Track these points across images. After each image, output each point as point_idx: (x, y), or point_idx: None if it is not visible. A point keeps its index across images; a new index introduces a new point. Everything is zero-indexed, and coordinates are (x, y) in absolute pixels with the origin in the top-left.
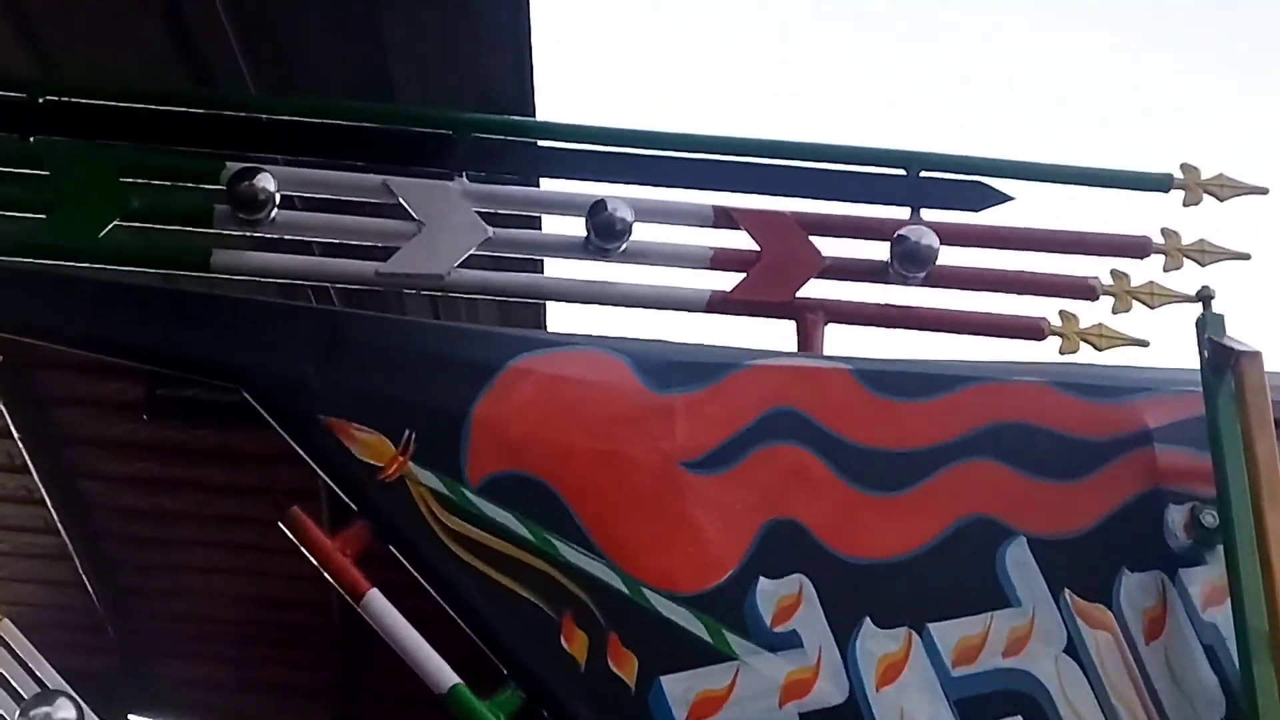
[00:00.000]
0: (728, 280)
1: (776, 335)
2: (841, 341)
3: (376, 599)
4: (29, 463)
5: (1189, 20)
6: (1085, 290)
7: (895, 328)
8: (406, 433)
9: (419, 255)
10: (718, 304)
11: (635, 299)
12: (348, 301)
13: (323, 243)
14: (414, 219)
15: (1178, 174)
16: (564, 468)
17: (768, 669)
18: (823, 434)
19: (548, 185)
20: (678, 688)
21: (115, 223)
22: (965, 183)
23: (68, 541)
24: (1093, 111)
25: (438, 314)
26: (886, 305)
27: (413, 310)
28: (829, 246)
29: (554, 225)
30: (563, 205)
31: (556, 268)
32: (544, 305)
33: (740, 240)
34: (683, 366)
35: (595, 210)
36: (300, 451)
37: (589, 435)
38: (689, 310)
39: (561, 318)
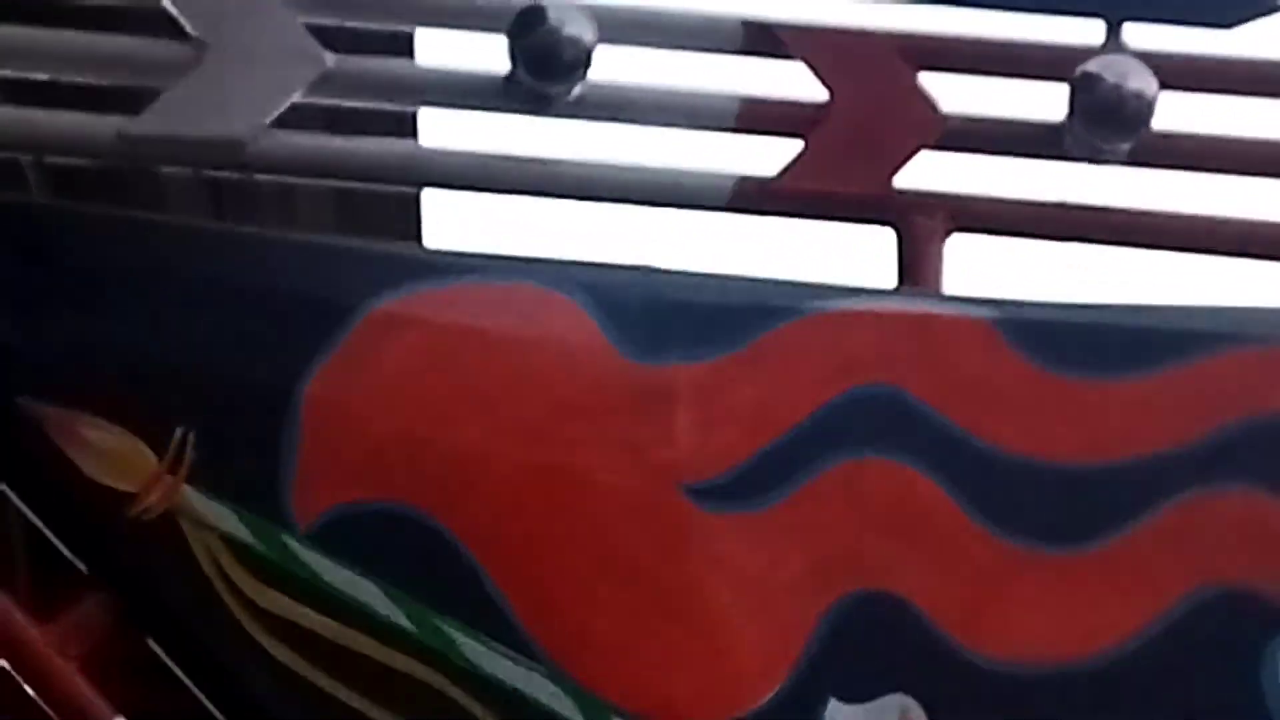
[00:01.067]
0: (769, 155)
1: (855, 255)
2: (976, 266)
3: None
4: None
5: None
6: None
7: (1073, 241)
8: (178, 432)
9: (198, 104)
10: (750, 197)
11: (591, 188)
12: (69, 191)
13: (28, 81)
14: (190, 37)
15: None
16: (469, 497)
17: None
18: (944, 436)
19: None
20: None
21: None
22: None
23: None
24: None
25: (226, 214)
26: (1058, 204)
27: (185, 207)
28: (954, 94)
29: (450, 52)
30: (465, 14)
31: (452, 128)
32: (419, 199)
33: (792, 81)
34: (688, 314)
35: (525, 23)
36: None
37: (516, 437)
38: (698, 208)
39: (460, 224)
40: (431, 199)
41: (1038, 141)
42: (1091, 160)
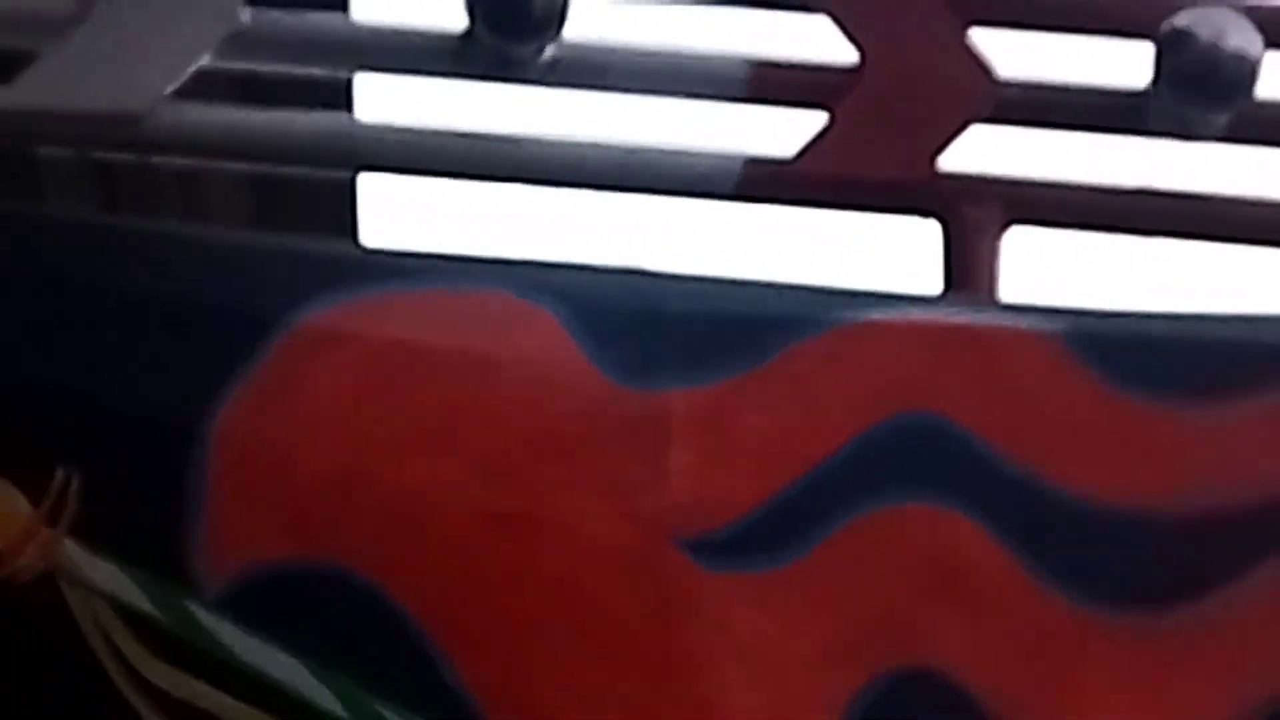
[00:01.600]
0: (787, 130)
1: (891, 254)
2: (1039, 267)
3: None
4: None
5: None
6: None
7: (1158, 236)
8: (59, 474)
9: (83, 69)
10: (762, 183)
11: (566, 172)
12: None
13: None
14: None
15: None
16: (416, 555)
17: None
18: (1001, 476)
19: None
20: None
21: None
22: None
23: None
24: None
25: (118, 206)
26: (1138, 191)
27: (67, 197)
28: (1012, 55)
29: (393, 6)
30: None
31: (396, 100)
32: (354, 187)
33: (814, 41)
34: (686, 327)
35: None
36: None
37: (475, 480)
38: (698, 196)
39: (405, 218)
40: (370, 187)
41: (1115, 113)
42: (1181, 136)
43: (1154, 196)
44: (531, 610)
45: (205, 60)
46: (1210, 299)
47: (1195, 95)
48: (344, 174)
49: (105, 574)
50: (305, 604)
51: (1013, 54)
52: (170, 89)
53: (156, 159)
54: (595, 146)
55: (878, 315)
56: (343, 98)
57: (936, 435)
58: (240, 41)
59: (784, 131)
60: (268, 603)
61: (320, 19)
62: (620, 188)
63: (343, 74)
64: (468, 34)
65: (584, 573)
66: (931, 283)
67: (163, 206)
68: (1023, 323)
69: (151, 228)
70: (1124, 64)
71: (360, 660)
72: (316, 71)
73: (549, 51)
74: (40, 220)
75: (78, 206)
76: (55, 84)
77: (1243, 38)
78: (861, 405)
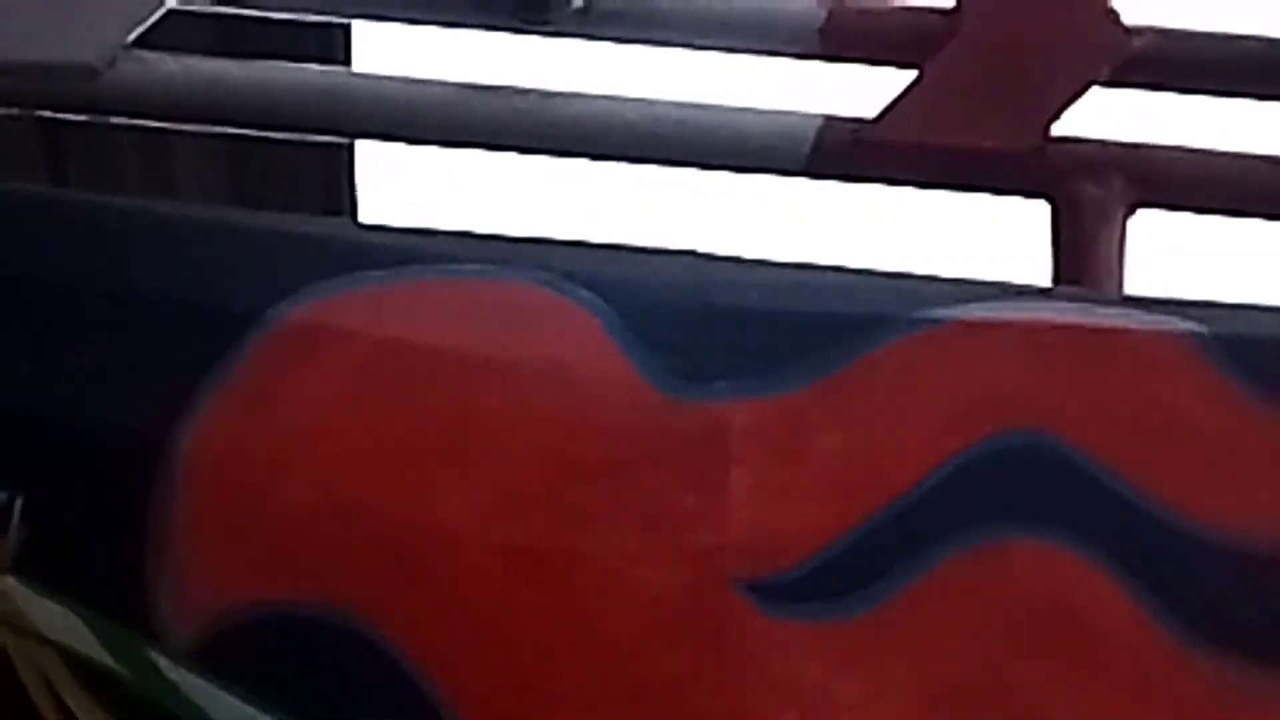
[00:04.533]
0: (866, 91)
1: (995, 238)
2: (1170, 255)
3: None
4: None
5: None
6: None
7: None
8: (4, 497)
9: (29, 15)
10: (838, 155)
11: (603, 139)
12: None
13: None
14: None
15: None
16: (421, 597)
17: None
18: (1122, 506)
19: None
20: None
21: None
22: None
23: None
24: None
25: (68, 178)
26: None
27: (10, 169)
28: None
29: None
30: None
31: (399, 53)
32: (352, 155)
33: None
34: (747, 325)
35: None
36: None
37: (494, 508)
38: (764, 171)
39: (413, 192)
40: (371, 155)
41: (1263, 74)
42: None
43: None
44: (560, 665)
45: (172, 2)
46: None
47: None
48: (339, 139)
49: (51, 617)
50: (290, 654)
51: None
52: (131, 37)
53: (115, 120)
54: (640, 106)
55: (975, 313)
56: (339, 49)
57: (1045, 458)
58: None
59: (864, 95)
60: (246, 653)
61: None
62: (670, 160)
63: (337, 18)
64: None
65: (624, 620)
66: (1041, 274)
67: (121, 179)
68: (1149, 322)
69: (107, 204)
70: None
71: (353, 718)
72: (307, 16)
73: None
74: None
75: (20, 177)
76: (8, 32)
77: None
78: (956, 422)
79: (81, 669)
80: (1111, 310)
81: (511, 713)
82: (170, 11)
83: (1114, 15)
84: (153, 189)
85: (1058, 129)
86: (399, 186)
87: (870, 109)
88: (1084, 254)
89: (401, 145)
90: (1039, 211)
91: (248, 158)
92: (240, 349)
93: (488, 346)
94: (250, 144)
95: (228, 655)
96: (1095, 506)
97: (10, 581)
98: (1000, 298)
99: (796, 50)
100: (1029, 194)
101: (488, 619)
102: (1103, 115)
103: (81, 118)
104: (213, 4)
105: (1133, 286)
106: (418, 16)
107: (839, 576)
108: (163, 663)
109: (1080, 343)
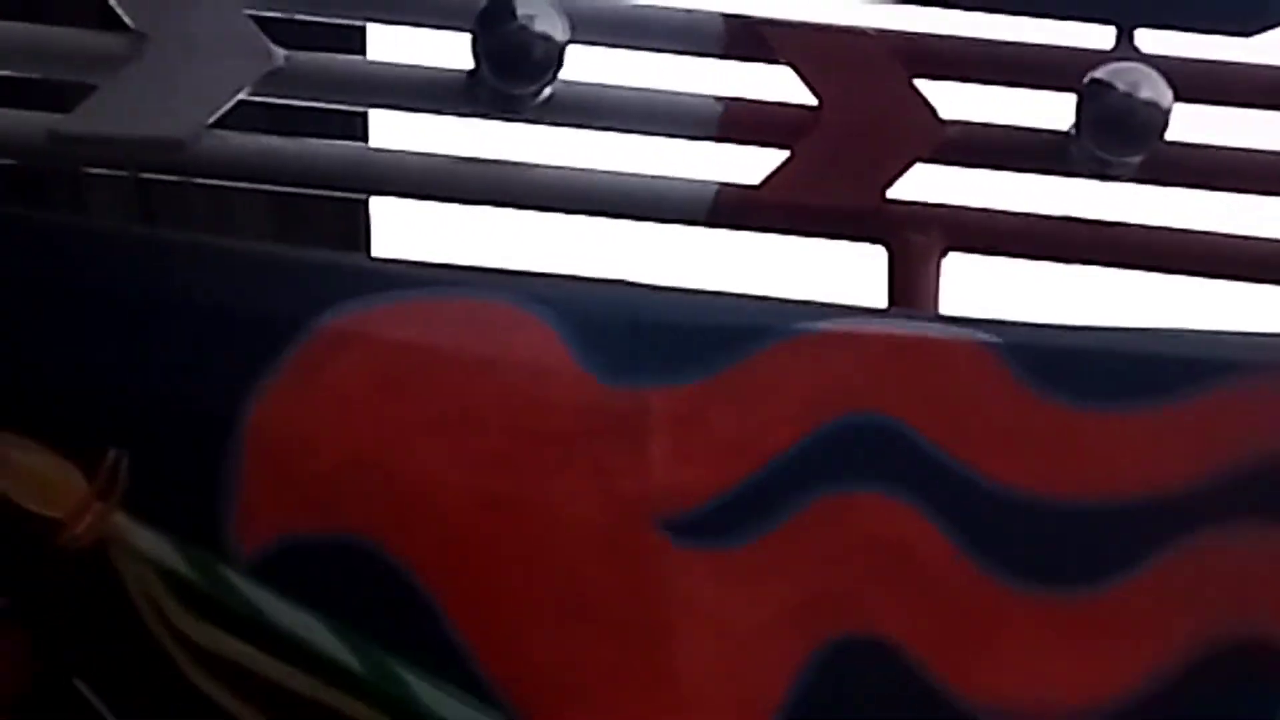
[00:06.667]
0: (753, 163)
1: (845, 273)
2: (974, 286)
3: None
4: None
5: None
6: None
7: (1079, 262)
8: (110, 455)
9: (136, 100)
10: (731, 209)
11: (559, 197)
12: None
13: None
14: (130, 29)
15: None
16: (425, 529)
17: None
18: (939, 469)
19: None
20: None
21: None
22: None
23: None
24: None
25: (157, 217)
26: (1063, 219)
27: (115, 210)
28: (953, 101)
29: (408, 50)
30: (424, 7)
31: (408, 133)
32: (367, 206)
33: (779, 85)
34: (665, 333)
35: (491, 17)
36: None
37: (477, 465)
38: (675, 222)
39: (414, 236)
40: (383, 210)
41: (1042, 154)
42: (1100, 175)
43: (1077, 226)
44: (525, 578)
45: (243, 94)
46: (1126, 317)
47: (1112, 139)
48: (359, 196)
49: (151, 544)
50: (327, 572)
51: (954, 100)
52: (211, 119)
53: (198, 180)
54: (586, 174)
55: (832, 326)
56: (359, 130)
57: (883, 433)
58: (274, 79)
59: (751, 165)
60: (294, 570)
61: (342, 60)
62: (608, 212)
63: (360, 108)
64: (473, 74)
65: (572, 547)
66: (878, 300)
67: (195, 223)
68: (960, 334)
69: (188, 240)
70: (1049, 111)
71: (375, 621)
72: (338, 106)
73: (545, 92)
74: (91, 233)
75: (121, 221)
76: (110, 113)
77: (1154, 90)
78: (817, 404)
79: (171, 580)
80: (930, 325)
81: (486, 612)
82: (242, 100)
83: (932, 111)
84: (218, 230)
85: (892, 193)
86: (402, 232)
87: (755, 177)
88: (911, 285)
89: (409, 201)
90: (878, 254)
91: (289, 208)
92: (290, 348)
93: (471, 347)
94: (292, 198)
95: (280, 571)
96: (920, 469)
97: (120, 516)
98: (852, 315)
99: (700, 133)
100: (872, 241)
101: (471, 546)
102: (926, 183)
103: (170, 178)
104: (269, 97)
105: (946, 309)
106: (422, 106)
107: (730, 516)
108: (231, 576)
109: (909, 348)
